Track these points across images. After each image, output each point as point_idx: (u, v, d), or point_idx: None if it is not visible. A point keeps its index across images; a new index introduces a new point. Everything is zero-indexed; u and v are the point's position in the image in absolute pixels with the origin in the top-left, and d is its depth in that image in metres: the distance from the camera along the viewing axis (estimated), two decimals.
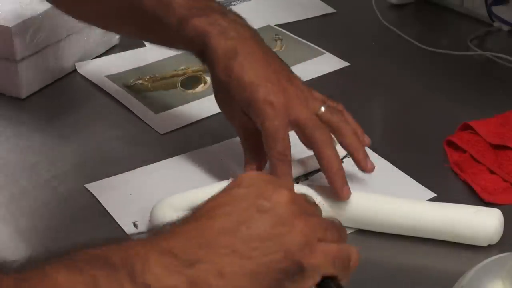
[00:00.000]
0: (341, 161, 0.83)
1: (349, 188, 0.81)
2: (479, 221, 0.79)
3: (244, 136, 0.87)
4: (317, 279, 0.57)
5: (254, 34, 0.86)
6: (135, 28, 0.93)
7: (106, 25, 0.99)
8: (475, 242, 0.79)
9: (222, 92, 0.85)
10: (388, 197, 0.83)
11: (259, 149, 0.84)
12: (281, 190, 0.58)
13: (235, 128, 0.88)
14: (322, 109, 0.84)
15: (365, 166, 0.84)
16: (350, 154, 0.85)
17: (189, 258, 0.52)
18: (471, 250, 0.79)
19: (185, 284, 0.51)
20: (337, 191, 0.81)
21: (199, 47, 0.84)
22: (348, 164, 0.86)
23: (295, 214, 0.57)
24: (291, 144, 0.82)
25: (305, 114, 0.82)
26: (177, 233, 0.54)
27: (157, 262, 0.51)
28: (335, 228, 0.61)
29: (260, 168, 0.86)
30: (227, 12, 0.86)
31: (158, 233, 0.55)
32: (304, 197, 0.62)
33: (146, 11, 0.86)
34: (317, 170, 0.87)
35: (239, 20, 0.86)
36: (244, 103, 0.82)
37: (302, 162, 0.88)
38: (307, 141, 0.82)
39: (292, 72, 0.87)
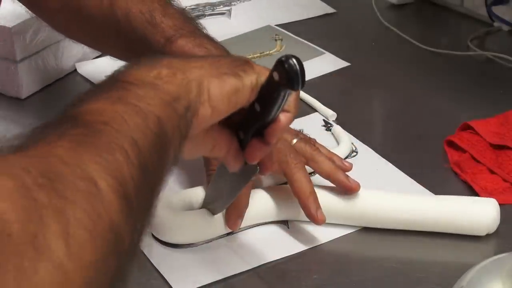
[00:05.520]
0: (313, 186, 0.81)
1: (322, 212, 0.79)
2: (477, 210, 0.80)
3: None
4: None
5: None
6: (121, 49, 0.93)
7: (93, 44, 1.00)
8: (474, 232, 0.80)
9: None
10: (385, 192, 0.83)
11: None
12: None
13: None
14: (295, 140, 0.85)
15: (348, 186, 0.82)
16: (329, 179, 0.83)
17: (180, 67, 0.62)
18: (471, 249, 0.79)
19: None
20: (311, 216, 0.79)
21: None
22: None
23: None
24: None
25: (280, 141, 0.82)
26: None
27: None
28: None
29: None
30: (213, 38, 0.88)
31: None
32: None
33: (134, 31, 0.88)
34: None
35: (222, 47, 0.87)
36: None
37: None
38: (280, 166, 0.82)
39: None
